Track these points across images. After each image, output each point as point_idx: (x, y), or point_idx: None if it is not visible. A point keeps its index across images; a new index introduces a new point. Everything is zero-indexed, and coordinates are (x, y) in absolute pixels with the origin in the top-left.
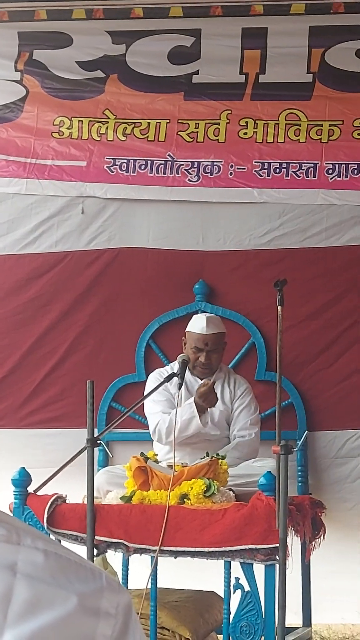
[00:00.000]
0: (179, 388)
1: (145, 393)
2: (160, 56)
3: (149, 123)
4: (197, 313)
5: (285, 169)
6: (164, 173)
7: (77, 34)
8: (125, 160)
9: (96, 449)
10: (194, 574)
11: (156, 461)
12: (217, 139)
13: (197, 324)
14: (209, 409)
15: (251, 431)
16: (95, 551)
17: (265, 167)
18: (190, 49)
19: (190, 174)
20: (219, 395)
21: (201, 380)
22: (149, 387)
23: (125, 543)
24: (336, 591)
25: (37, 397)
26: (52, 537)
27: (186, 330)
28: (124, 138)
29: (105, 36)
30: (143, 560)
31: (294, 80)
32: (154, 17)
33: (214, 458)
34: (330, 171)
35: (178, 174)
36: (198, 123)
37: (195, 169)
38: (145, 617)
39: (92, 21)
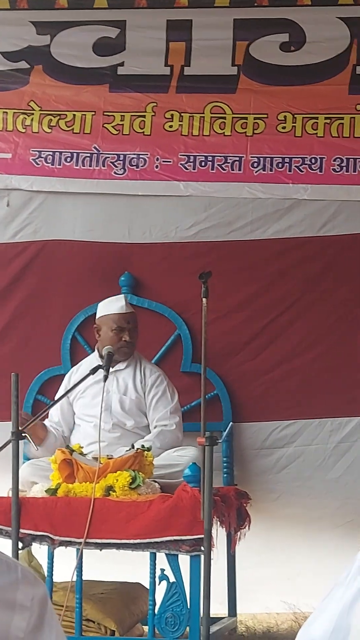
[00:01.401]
0: (105, 380)
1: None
2: (85, 47)
3: (74, 115)
4: None
5: (210, 162)
6: (90, 165)
7: (1, 24)
8: (51, 153)
9: (21, 442)
10: (120, 566)
11: (82, 454)
12: (143, 132)
13: (115, 305)
14: (115, 400)
15: (172, 421)
16: (20, 544)
17: (191, 160)
18: (115, 40)
19: (116, 166)
20: (130, 383)
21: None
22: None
23: (51, 536)
24: (261, 581)
25: None
26: None
27: (101, 315)
28: (50, 130)
29: (30, 27)
30: (68, 553)
31: (218, 73)
32: (78, 8)
33: (139, 450)
34: (255, 165)
35: (104, 166)
36: (124, 115)
37: (121, 162)
38: (70, 610)
39: (16, 11)
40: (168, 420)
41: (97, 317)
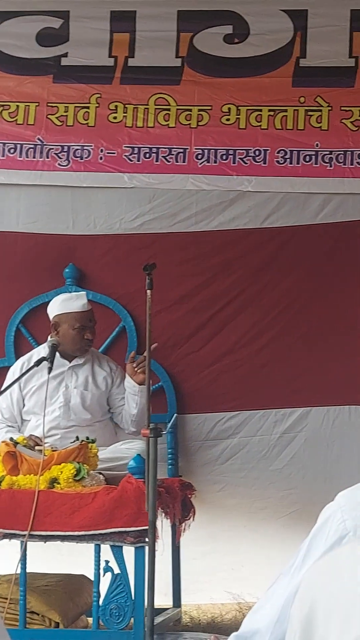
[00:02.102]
0: (49, 373)
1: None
2: (29, 38)
3: (17, 106)
4: None
5: (155, 154)
6: (34, 157)
7: None
8: None
9: None
10: (64, 558)
11: (26, 446)
12: (87, 123)
13: (76, 303)
14: (76, 395)
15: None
16: None
17: (135, 152)
18: (59, 31)
19: (60, 158)
20: (90, 378)
21: (69, 362)
22: (9, 379)
23: None
24: (206, 572)
25: None
26: None
27: (60, 312)
28: None
29: None
30: (12, 545)
31: (163, 65)
32: None
33: (83, 442)
34: (200, 156)
35: (48, 158)
36: (67, 106)
37: (65, 153)
38: (14, 602)
39: None
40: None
41: (55, 313)
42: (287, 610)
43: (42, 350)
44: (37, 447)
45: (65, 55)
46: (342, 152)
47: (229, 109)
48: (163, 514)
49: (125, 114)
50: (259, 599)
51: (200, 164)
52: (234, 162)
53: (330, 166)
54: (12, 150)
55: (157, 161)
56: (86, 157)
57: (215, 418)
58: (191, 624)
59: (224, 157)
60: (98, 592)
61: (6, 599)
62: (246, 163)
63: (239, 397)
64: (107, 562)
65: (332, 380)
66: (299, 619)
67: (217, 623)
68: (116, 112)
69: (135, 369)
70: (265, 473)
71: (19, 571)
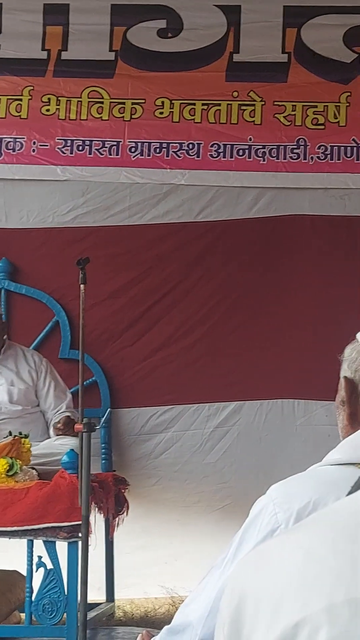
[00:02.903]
0: None
1: None
2: None
3: None
4: None
5: (88, 147)
6: None
7: None
8: None
9: None
10: None
11: None
12: (20, 115)
13: None
14: (2, 391)
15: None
16: None
17: (68, 145)
18: None
19: None
20: (14, 374)
21: None
22: None
23: None
24: (139, 566)
25: None
26: None
27: None
28: None
29: None
30: None
31: (96, 58)
32: None
33: (16, 437)
34: (133, 149)
35: None
36: (0, 99)
37: None
38: None
39: None
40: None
41: None
42: (218, 603)
43: None
44: None
45: None
46: (275, 147)
47: (163, 102)
48: (96, 509)
49: (58, 107)
50: (191, 593)
51: (133, 157)
52: (167, 156)
53: (264, 160)
54: None
55: (90, 154)
56: (19, 150)
57: (149, 412)
58: (124, 619)
59: (158, 151)
60: (31, 588)
61: None
62: (180, 156)
63: (173, 392)
64: (40, 557)
65: (264, 374)
66: (228, 611)
67: (151, 617)
68: (49, 105)
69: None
70: (198, 467)
71: None
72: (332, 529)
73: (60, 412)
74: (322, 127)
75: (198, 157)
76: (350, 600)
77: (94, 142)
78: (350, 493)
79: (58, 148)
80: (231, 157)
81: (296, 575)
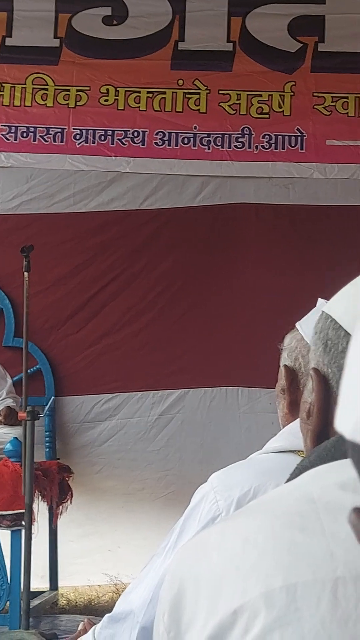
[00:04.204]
0: None
1: None
2: None
3: None
4: None
5: (32, 133)
6: None
7: None
8: None
9: None
10: None
11: None
12: None
13: None
14: None
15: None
16: None
17: (13, 131)
18: None
19: None
20: None
21: None
22: None
23: None
24: (83, 554)
25: None
26: None
27: None
28: None
29: None
30: None
31: (41, 45)
32: None
33: None
34: (78, 137)
35: None
36: None
37: None
38: None
39: None
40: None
41: None
42: (159, 590)
43: None
44: None
45: None
46: (220, 135)
47: (107, 90)
48: (40, 497)
49: (2, 93)
50: (133, 581)
51: (78, 144)
52: (112, 143)
53: (209, 149)
54: None
55: (34, 140)
56: None
57: (93, 400)
58: (68, 607)
59: (102, 138)
60: None
61: None
62: (124, 144)
63: (118, 379)
64: None
65: (209, 362)
66: (168, 599)
67: (94, 605)
68: None
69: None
70: (142, 455)
71: None
72: (271, 516)
73: (1, 399)
74: (267, 116)
75: (143, 145)
76: (288, 586)
77: (38, 128)
78: (289, 480)
79: (2, 134)
80: (176, 145)
81: (235, 562)
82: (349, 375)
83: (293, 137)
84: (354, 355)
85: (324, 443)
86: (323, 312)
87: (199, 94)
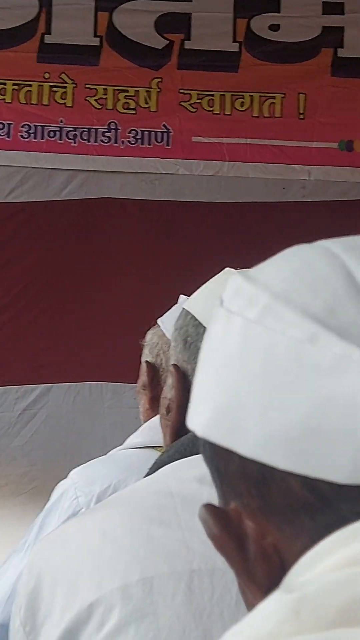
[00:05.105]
0: None
1: None
2: None
3: None
4: None
5: None
6: None
7: None
8: None
9: None
10: None
11: None
12: None
13: None
14: None
15: None
16: None
17: None
18: None
19: None
20: None
21: None
22: None
23: None
24: None
25: None
26: None
27: None
28: None
29: None
30: None
31: None
32: None
33: None
34: None
35: None
36: None
37: None
38: None
39: None
40: None
41: None
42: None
43: None
44: None
45: None
46: (86, 130)
47: None
48: None
49: None
50: None
51: None
52: None
53: (75, 143)
54: None
55: None
56: None
57: None
58: None
59: None
60: None
61: None
62: None
63: None
64: None
65: (74, 357)
66: (25, 593)
67: None
68: None
69: None
70: (6, 450)
71: None
72: (129, 510)
73: None
74: (134, 111)
75: (9, 137)
76: (144, 580)
77: None
78: (148, 474)
79: None
80: (42, 138)
81: (92, 556)
82: (200, 371)
83: (159, 133)
84: (205, 350)
85: (183, 438)
86: (183, 308)
87: (65, 87)
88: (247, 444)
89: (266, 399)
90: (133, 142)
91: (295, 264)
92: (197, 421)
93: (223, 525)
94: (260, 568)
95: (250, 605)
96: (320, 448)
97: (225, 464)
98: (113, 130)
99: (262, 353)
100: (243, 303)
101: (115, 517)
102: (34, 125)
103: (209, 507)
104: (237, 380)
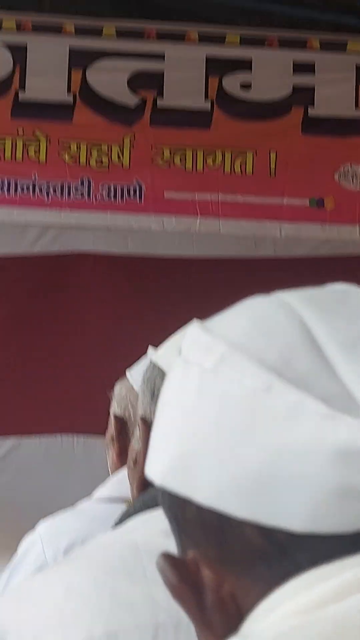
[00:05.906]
0: None
1: None
2: None
3: None
4: None
5: None
6: None
7: None
8: None
9: None
10: None
11: None
12: None
13: None
14: None
15: None
16: None
17: None
18: None
19: None
20: None
21: None
22: None
23: None
24: None
25: None
26: None
27: None
28: None
29: None
30: None
31: None
32: None
33: None
34: None
35: None
36: None
37: None
38: None
39: None
40: None
41: None
42: None
43: None
44: None
45: None
46: (59, 185)
47: None
48: None
49: None
50: None
51: None
52: None
53: (48, 198)
54: None
55: None
56: None
57: None
58: None
59: None
60: None
61: None
62: None
63: None
64: None
65: (43, 410)
66: None
67: None
68: None
69: None
70: None
71: None
72: (94, 564)
73: None
74: (106, 167)
75: None
76: (108, 633)
77: None
78: (114, 527)
79: None
80: (15, 193)
81: (57, 610)
82: (159, 420)
83: (132, 189)
84: (163, 399)
85: (149, 490)
86: (151, 360)
87: (38, 143)
88: (204, 493)
89: (222, 448)
90: (106, 198)
91: (252, 315)
92: (155, 469)
93: (181, 575)
94: (217, 616)
95: None
96: (276, 496)
97: (183, 513)
98: (86, 185)
99: (218, 402)
100: (200, 353)
101: (80, 571)
102: (7, 179)
103: (167, 556)
104: (193, 428)
